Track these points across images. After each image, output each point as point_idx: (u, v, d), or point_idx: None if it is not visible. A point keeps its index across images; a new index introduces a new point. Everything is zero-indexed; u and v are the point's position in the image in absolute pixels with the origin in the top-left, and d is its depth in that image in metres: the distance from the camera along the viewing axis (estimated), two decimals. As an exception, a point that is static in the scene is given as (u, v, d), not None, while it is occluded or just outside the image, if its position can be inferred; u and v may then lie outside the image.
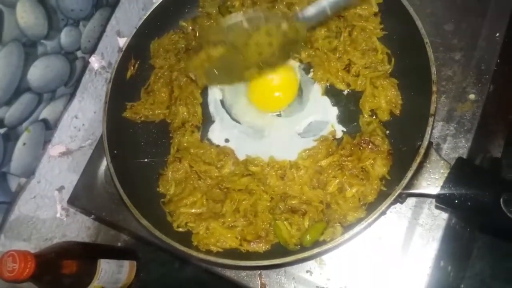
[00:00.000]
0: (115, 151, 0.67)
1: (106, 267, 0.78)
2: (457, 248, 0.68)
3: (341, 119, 0.67)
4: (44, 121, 0.68)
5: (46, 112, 0.68)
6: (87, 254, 0.77)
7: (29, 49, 0.61)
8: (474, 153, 0.64)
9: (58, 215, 0.82)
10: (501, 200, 0.44)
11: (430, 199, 0.62)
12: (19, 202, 0.71)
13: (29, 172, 0.69)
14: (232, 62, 0.61)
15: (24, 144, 0.65)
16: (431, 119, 0.53)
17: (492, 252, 0.82)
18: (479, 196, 0.47)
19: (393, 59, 0.64)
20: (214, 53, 0.59)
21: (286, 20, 0.59)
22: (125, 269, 0.85)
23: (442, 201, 0.51)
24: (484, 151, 0.67)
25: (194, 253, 0.58)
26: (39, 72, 0.64)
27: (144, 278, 0.90)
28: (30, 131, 0.65)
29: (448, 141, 0.64)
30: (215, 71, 0.62)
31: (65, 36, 0.67)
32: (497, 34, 0.68)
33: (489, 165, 0.66)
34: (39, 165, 0.73)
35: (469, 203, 0.48)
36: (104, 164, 0.79)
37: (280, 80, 0.69)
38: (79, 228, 0.88)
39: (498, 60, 0.67)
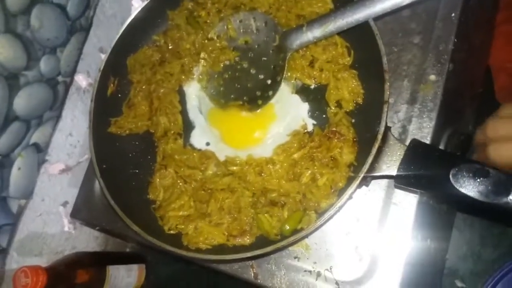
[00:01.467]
0: (104, 166, 0.71)
1: (115, 273, 0.82)
2: (435, 220, 0.72)
3: (312, 113, 0.71)
4: (35, 145, 0.73)
5: (36, 136, 0.73)
6: (96, 263, 0.82)
7: (11, 81, 0.66)
8: (439, 131, 0.68)
9: (66, 228, 0.86)
10: (450, 175, 0.47)
11: (401, 179, 0.65)
12: (26, 221, 0.76)
13: (28, 193, 0.74)
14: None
15: (19, 168, 0.70)
16: (385, 106, 0.57)
17: (481, 220, 0.85)
18: (431, 173, 0.51)
19: (352, 52, 0.68)
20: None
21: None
22: (135, 272, 0.90)
23: (399, 181, 0.55)
24: (449, 128, 0.70)
25: (184, 253, 0.62)
26: (23, 101, 0.68)
27: (154, 280, 0.95)
28: (23, 156, 0.70)
29: (413, 122, 0.68)
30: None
31: (44, 65, 0.71)
32: (453, 14, 0.71)
33: (455, 141, 0.69)
34: (41, 184, 0.78)
35: (423, 181, 0.52)
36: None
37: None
38: (87, 239, 0.93)
39: (455, 40, 0.70)
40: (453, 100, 0.69)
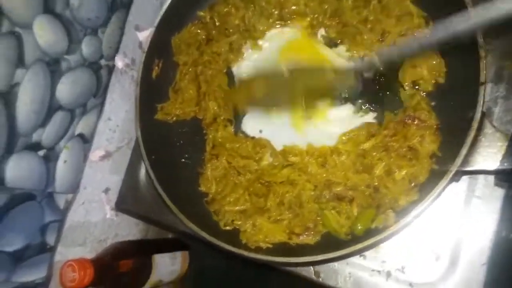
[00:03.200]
0: (153, 156, 0.67)
1: (160, 261, 0.80)
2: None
3: (379, 97, 0.63)
4: (81, 135, 0.69)
5: (81, 126, 0.68)
6: (141, 252, 0.79)
7: (53, 67, 0.61)
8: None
9: (108, 216, 0.84)
10: None
11: (485, 170, 0.58)
12: (69, 212, 0.73)
13: (74, 187, 0.71)
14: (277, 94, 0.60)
15: (65, 161, 0.66)
16: (482, 88, 0.49)
17: None
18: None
19: (431, 23, 0.59)
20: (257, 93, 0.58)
21: (333, 72, 0.59)
22: (179, 260, 0.88)
23: (502, 177, 0.47)
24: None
25: (245, 253, 0.57)
26: (66, 88, 0.63)
27: (198, 267, 0.92)
28: (69, 148, 0.66)
29: (500, 104, 0.59)
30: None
31: (86, 47, 0.66)
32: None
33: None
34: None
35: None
36: (143, 167, 0.79)
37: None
38: (129, 226, 0.91)
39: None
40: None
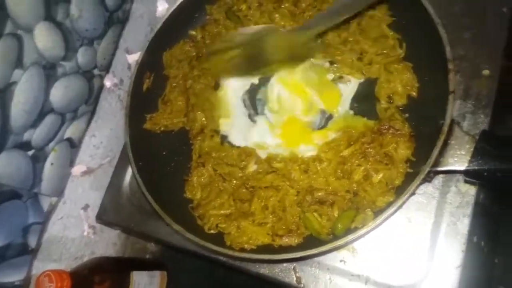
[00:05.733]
0: (140, 163, 0.69)
1: (138, 279, 0.79)
2: (487, 223, 0.68)
3: (359, 109, 0.67)
4: (69, 140, 0.70)
5: (70, 131, 0.70)
6: (120, 268, 0.78)
7: (49, 71, 0.64)
8: (494, 128, 0.64)
9: (85, 233, 0.83)
10: (531, 166, 0.44)
11: (456, 178, 0.62)
12: (48, 224, 0.73)
13: (59, 191, 0.71)
14: (253, 58, 0.63)
15: (52, 164, 0.67)
16: (451, 96, 0.54)
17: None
18: (507, 165, 0.48)
19: (404, 44, 0.65)
20: (232, 54, 0.61)
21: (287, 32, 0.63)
22: (156, 279, 0.86)
23: (471, 175, 0.51)
24: (504, 125, 0.67)
25: (230, 252, 0.59)
26: (60, 92, 0.66)
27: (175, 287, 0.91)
28: (57, 151, 0.67)
29: (468, 118, 0.64)
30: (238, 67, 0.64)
31: (82, 56, 0.69)
32: (504, 9, 0.68)
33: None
34: (64, 185, 0.75)
35: (498, 174, 0.48)
36: (127, 178, 0.80)
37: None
38: (106, 245, 0.90)
39: (508, 34, 0.67)
40: (509, 96, 0.66)
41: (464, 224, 0.61)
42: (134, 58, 0.86)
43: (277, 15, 0.72)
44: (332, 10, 0.64)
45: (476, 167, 0.50)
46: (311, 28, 0.64)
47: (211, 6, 0.77)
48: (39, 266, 0.71)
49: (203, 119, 0.73)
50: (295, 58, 0.68)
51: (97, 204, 0.80)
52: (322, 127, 0.69)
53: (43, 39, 0.61)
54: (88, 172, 0.81)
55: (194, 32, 0.78)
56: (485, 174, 0.49)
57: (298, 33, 0.65)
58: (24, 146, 0.61)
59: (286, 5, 0.72)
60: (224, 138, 0.73)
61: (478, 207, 0.62)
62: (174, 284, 0.91)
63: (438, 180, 0.63)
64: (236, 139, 0.72)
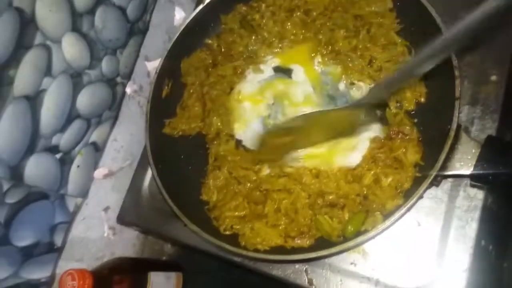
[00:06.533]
0: (160, 166, 0.72)
1: (155, 279, 0.81)
2: (496, 227, 0.69)
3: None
4: (94, 144, 0.74)
5: (95, 135, 0.74)
6: (138, 268, 0.81)
7: (75, 79, 0.67)
8: (502, 133, 0.66)
9: (105, 234, 0.86)
10: (534, 172, 0.46)
11: (465, 182, 0.63)
12: (72, 224, 0.76)
13: (84, 192, 0.75)
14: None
15: (78, 166, 0.71)
16: (457, 102, 0.56)
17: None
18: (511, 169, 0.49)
19: (413, 50, 0.67)
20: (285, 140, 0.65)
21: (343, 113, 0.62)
22: (173, 280, 0.89)
23: (476, 179, 0.53)
24: (512, 130, 0.68)
25: (244, 252, 0.61)
26: (86, 99, 0.70)
27: (191, 288, 0.94)
28: (83, 154, 0.71)
29: (476, 124, 0.66)
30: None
31: (106, 65, 0.73)
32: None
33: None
34: (87, 188, 0.78)
35: (503, 178, 0.50)
36: (146, 181, 0.83)
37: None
38: (125, 246, 0.93)
39: (516, 40, 0.68)
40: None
41: (472, 228, 0.62)
42: (153, 65, 0.89)
43: (289, 24, 0.75)
44: (381, 85, 0.62)
45: (481, 171, 0.51)
46: (361, 104, 0.61)
47: (226, 15, 0.80)
48: (63, 265, 0.74)
49: (219, 124, 0.76)
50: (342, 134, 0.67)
51: (118, 206, 0.84)
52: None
53: (70, 49, 0.65)
54: (109, 174, 0.84)
55: (210, 41, 0.81)
56: (490, 178, 0.51)
57: (350, 111, 0.63)
58: (53, 149, 0.65)
59: (298, 14, 0.75)
60: (239, 142, 0.75)
61: (486, 211, 0.63)
62: (189, 285, 0.94)
63: (447, 184, 0.64)
64: (251, 143, 0.75)
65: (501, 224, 0.69)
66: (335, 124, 0.64)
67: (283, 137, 0.66)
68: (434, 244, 0.63)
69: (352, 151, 0.66)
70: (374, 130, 0.65)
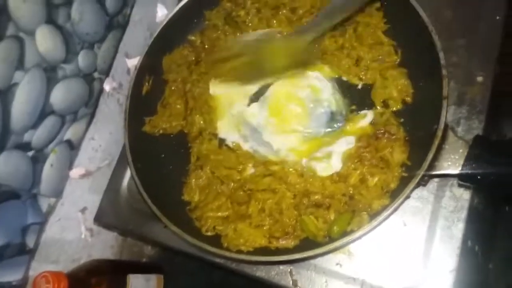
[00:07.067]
0: (139, 165, 0.69)
1: (135, 282, 0.79)
2: (482, 228, 0.69)
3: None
4: (69, 141, 0.71)
5: (70, 133, 0.71)
6: (116, 271, 0.78)
7: (50, 73, 0.64)
8: (488, 133, 0.66)
9: (82, 236, 0.83)
10: (522, 170, 0.45)
11: (451, 182, 0.63)
12: (46, 225, 0.73)
13: (58, 192, 0.72)
14: (255, 66, 0.65)
15: (52, 165, 0.67)
16: (445, 102, 0.55)
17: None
18: (500, 169, 0.49)
19: (399, 50, 0.66)
20: (235, 63, 0.63)
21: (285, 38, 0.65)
22: (153, 282, 0.86)
23: (464, 179, 0.52)
24: (498, 130, 0.68)
25: (226, 253, 0.59)
26: (60, 95, 0.66)
27: (172, 292, 0.91)
28: (56, 152, 0.68)
29: (462, 124, 0.65)
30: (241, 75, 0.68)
31: (82, 59, 0.70)
32: (497, 17, 0.70)
33: (504, 144, 0.67)
34: (63, 187, 0.75)
35: (491, 178, 0.49)
36: (125, 180, 0.81)
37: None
38: (103, 247, 0.90)
39: (501, 41, 0.68)
40: (503, 102, 0.67)
41: (458, 229, 0.62)
42: (133, 62, 0.87)
43: (275, 21, 0.73)
44: (324, 14, 0.65)
45: (469, 171, 0.51)
46: (307, 32, 0.65)
47: (210, 11, 0.78)
48: (37, 267, 0.71)
49: (201, 122, 0.74)
50: (296, 64, 0.69)
51: (95, 207, 0.81)
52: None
53: (44, 42, 0.62)
54: (86, 174, 0.81)
55: (193, 37, 0.79)
56: (478, 177, 0.50)
57: (296, 38, 0.66)
58: (24, 147, 0.62)
59: (284, 11, 0.73)
60: (222, 141, 0.73)
61: (473, 211, 0.63)
62: (170, 287, 0.92)
63: (433, 184, 0.64)
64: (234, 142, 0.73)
65: (487, 224, 0.69)
66: (288, 52, 0.67)
67: (238, 56, 0.68)
68: (420, 244, 0.62)
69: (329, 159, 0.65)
70: (348, 142, 0.64)
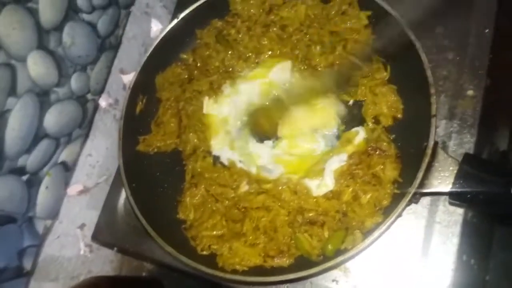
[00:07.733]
0: (134, 184, 0.70)
1: (134, 298, 0.79)
2: (477, 241, 0.69)
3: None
4: (63, 163, 0.71)
5: (64, 154, 0.71)
6: (116, 287, 0.78)
7: (42, 97, 0.65)
8: (480, 147, 0.66)
9: (82, 252, 0.83)
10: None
11: (444, 197, 0.63)
12: (44, 244, 0.73)
13: (54, 214, 0.72)
14: None
15: (47, 187, 0.68)
16: (433, 120, 0.55)
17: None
18: (490, 188, 0.49)
19: (388, 67, 0.67)
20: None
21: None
22: (152, 298, 0.86)
23: (455, 197, 0.53)
24: (490, 144, 0.68)
25: (221, 274, 0.59)
26: (54, 118, 0.67)
27: (171, 307, 0.91)
28: (51, 175, 0.68)
29: (454, 138, 0.66)
30: None
31: (75, 82, 0.70)
32: (486, 30, 0.70)
33: (497, 157, 0.67)
34: (60, 205, 0.75)
35: (481, 197, 0.50)
36: (122, 197, 0.80)
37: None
38: (103, 263, 0.89)
39: (491, 55, 0.69)
40: (494, 115, 0.67)
41: (453, 243, 0.62)
42: (128, 78, 0.87)
43: (265, 39, 0.74)
44: None
45: (459, 189, 0.51)
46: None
47: (201, 30, 0.79)
48: (36, 286, 0.72)
49: (196, 140, 0.74)
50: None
51: (94, 223, 0.80)
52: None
53: (36, 68, 0.62)
54: (84, 191, 0.82)
55: (185, 56, 0.79)
56: (468, 196, 0.50)
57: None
58: (19, 171, 0.62)
59: (274, 29, 0.74)
60: (216, 158, 0.74)
61: (467, 225, 0.63)
62: (170, 302, 0.92)
63: (426, 199, 0.64)
64: (227, 160, 0.73)
65: (482, 237, 0.69)
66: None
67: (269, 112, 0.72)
68: (415, 259, 0.62)
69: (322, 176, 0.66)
70: (340, 160, 0.65)
